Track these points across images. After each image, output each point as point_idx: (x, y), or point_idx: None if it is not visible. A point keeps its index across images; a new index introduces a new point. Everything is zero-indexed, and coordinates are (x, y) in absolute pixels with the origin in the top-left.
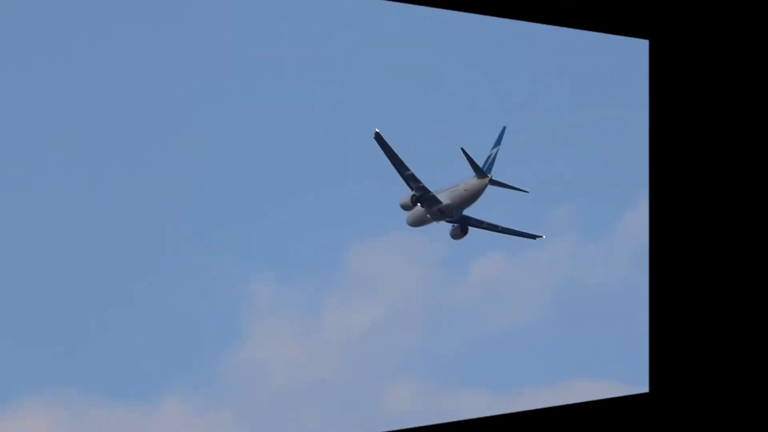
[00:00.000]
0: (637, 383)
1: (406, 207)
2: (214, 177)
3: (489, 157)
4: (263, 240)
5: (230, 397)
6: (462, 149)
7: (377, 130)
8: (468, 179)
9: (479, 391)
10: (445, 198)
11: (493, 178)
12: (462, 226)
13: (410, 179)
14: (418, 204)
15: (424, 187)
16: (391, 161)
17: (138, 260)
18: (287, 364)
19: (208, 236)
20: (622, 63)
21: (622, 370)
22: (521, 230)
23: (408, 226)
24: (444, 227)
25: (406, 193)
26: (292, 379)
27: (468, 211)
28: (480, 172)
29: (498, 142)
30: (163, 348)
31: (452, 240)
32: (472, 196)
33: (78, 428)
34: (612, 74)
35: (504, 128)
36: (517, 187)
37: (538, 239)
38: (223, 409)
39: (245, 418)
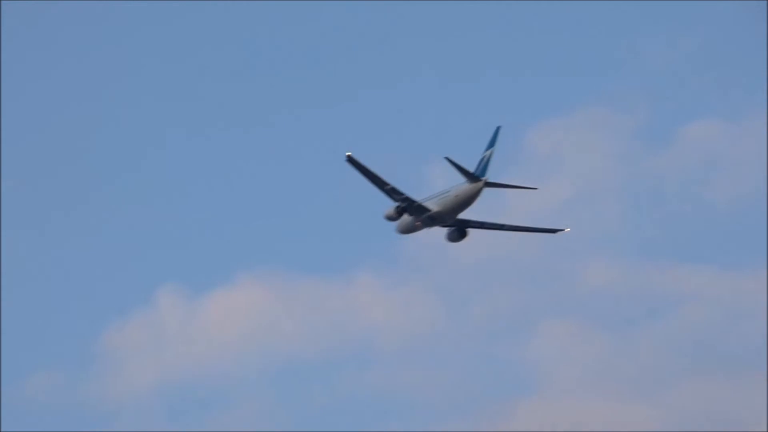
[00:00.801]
0: None
1: (390, 218)
2: None
3: (482, 159)
4: None
5: (417, 272)
6: (446, 158)
7: (348, 154)
8: (459, 184)
9: (700, 268)
10: (433, 205)
11: (489, 180)
12: (459, 229)
13: (392, 193)
14: (405, 213)
15: (407, 198)
16: (369, 179)
17: None
18: (470, 243)
19: None
20: None
21: None
22: (535, 226)
23: (398, 234)
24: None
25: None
26: (475, 256)
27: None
28: (471, 176)
29: (492, 143)
30: (355, 227)
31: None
32: (465, 202)
33: (285, 299)
34: None
35: (498, 128)
36: (521, 185)
37: (558, 233)
38: (410, 283)
39: (433, 291)
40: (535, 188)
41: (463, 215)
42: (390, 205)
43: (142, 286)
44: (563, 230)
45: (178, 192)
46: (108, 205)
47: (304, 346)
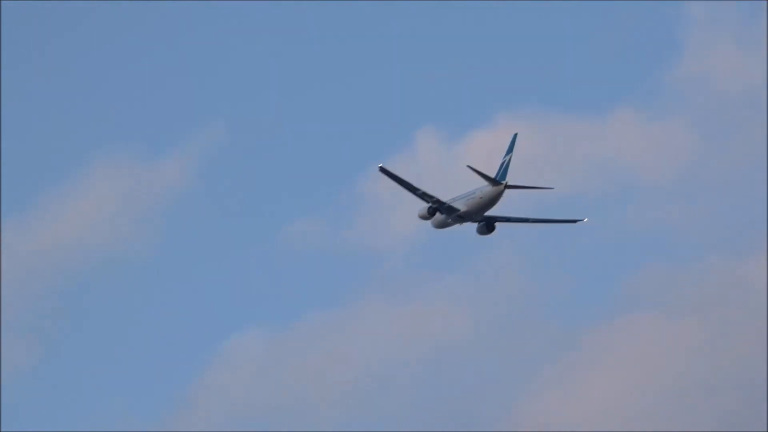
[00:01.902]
0: None
1: (423, 217)
2: None
3: (502, 163)
4: None
5: (676, 106)
6: (468, 166)
7: (381, 165)
8: (483, 187)
9: None
10: (461, 205)
11: (509, 183)
12: (487, 224)
13: (423, 196)
14: (437, 212)
15: (438, 200)
16: (402, 185)
17: None
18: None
19: None
20: None
21: None
22: (556, 218)
23: (433, 228)
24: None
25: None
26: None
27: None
28: (492, 181)
29: (510, 150)
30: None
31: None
32: (489, 203)
33: (544, 138)
34: None
35: (515, 135)
36: (538, 186)
37: (580, 222)
38: (670, 118)
39: (692, 125)
40: (552, 188)
41: (490, 212)
42: (422, 206)
43: (401, 129)
44: (582, 220)
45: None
46: None
47: (566, 182)
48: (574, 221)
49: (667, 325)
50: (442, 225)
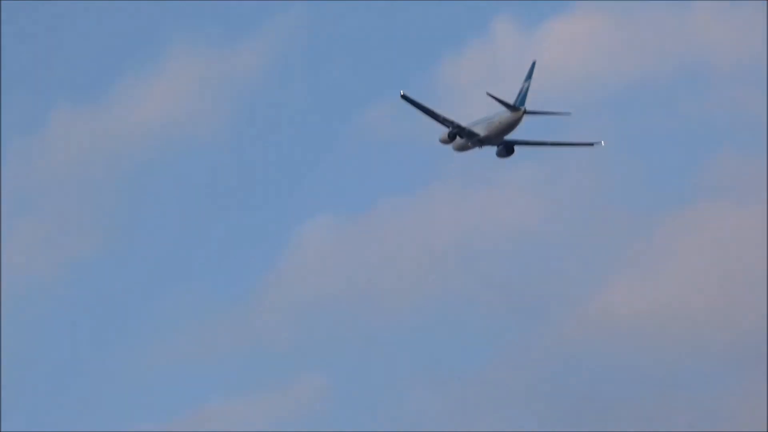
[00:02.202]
0: None
1: (444, 141)
2: None
3: (521, 90)
4: None
5: None
6: (488, 93)
7: (402, 92)
8: (502, 112)
9: None
10: (481, 130)
11: (528, 109)
12: (506, 147)
13: (444, 122)
14: (457, 136)
15: (459, 125)
16: (424, 112)
17: None
18: None
19: None
20: None
21: None
22: (573, 141)
23: (454, 152)
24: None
25: None
26: None
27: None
28: (512, 107)
29: (529, 76)
30: None
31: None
32: (508, 128)
33: (623, 26)
34: None
35: (534, 62)
36: (556, 111)
37: (596, 145)
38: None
39: None
40: (569, 113)
41: (509, 136)
42: (443, 131)
43: (478, 16)
44: (599, 143)
45: None
46: None
47: (644, 69)
48: (591, 144)
49: (737, 213)
50: (462, 148)
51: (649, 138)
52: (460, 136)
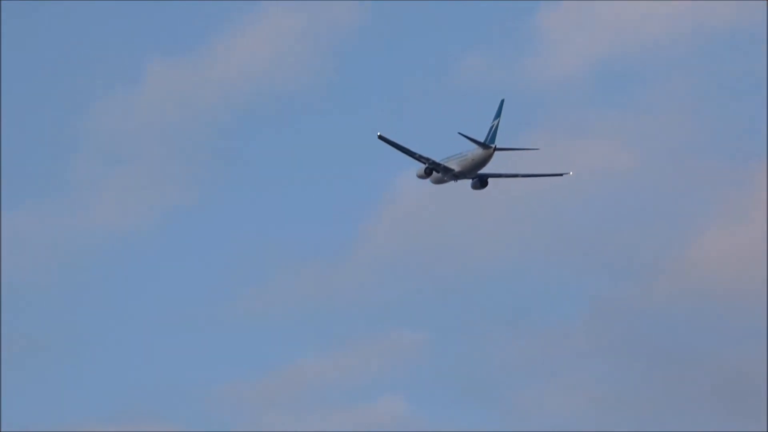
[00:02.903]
0: None
1: (421, 176)
2: None
3: (491, 128)
4: None
5: None
6: (460, 133)
7: (379, 134)
8: (474, 149)
9: None
10: (455, 166)
11: (498, 146)
12: (480, 180)
13: (420, 159)
14: (433, 172)
15: (434, 162)
16: (401, 150)
17: None
18: None
19: None
20: None
21: None
22: (543, 173)
23: (432, 184)
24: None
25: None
26: None
27: None
28: (483, 145)
29: (498, 114)
30: None
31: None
32: (480, 164)
33: None
34: None
35: (502, 101)
36: (526, 147)
37: (564, 175)
38: None
39: None
40: (537, 149)
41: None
42: (420, 167)
43: None
44: (568, 173)
45: None
46: None
47: None
48: (560, 174)
49: None
50: (439, 181)
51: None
52: (436, 171)
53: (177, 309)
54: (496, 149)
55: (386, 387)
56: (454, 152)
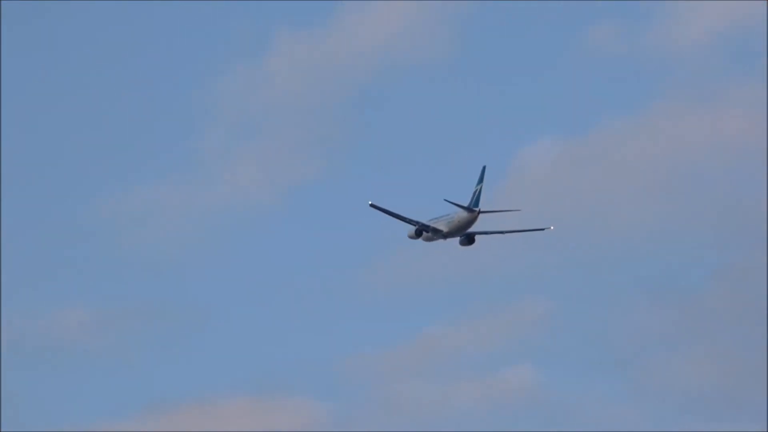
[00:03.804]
0: None
1: (412, 237)
2: None
3: (474, 192)
4: None
5: None
6: (445, 200)
7: (370, 203)
8: (460, 212)
9: None
10: (443, 227)
11: (482, 209)
12: (468, 238)
13: (411, 222)
14: (423, 232)
15: (424, 224)
16: (393, 216)
17: None
18: None
19: None
20: None
21: None
22: (527, 228)
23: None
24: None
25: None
26: None
27: None
28: (468, 209)
29: (480, 180)
30: None
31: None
32: (466, 225)
33: None
34: None
35: (484, 167)
36: (507, 209)
37: (546, 230)
38: None
39: None
40: (519, 210)
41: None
42: (411, 228)
43: None
44: (549, 228)
45: None
46: None
47: None
48: (542, 229)
49: None
50: (429, 239)
51: None
52: (426, 231)
53: (306, 281)
54: (480, 212)
55: (516, 357)
56: (443, 213)
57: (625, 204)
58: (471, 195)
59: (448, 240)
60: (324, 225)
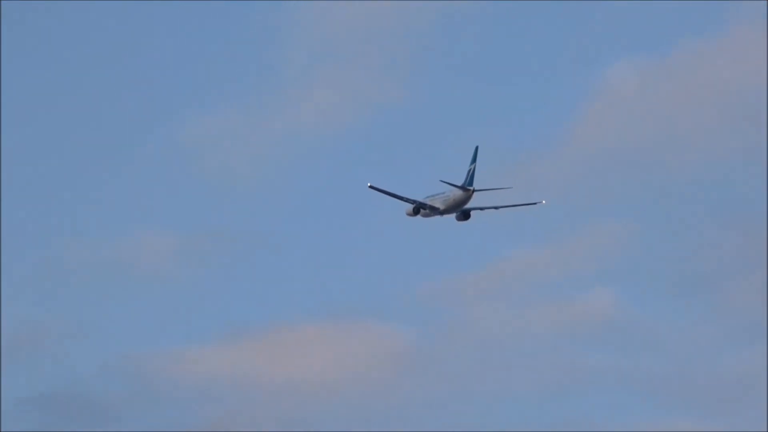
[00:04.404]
0: None
1: (410, 215)
2: None
3: (469, 171)
4: None
5: None
6: (441, 180)
7: (369, 184)
8: (456, 190)
9: None
10: (440, 204)
11: (476, 188)
12: (464, 213)
13: (409, 201)
14: (421, 210)
15: (422, 203)
16: (392, 196)
17: None
18: None
19: None
20: None
21: None
22: (520, 202)
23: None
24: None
25: None
26: None
27: None
28: (463, 188)
29: (474, 159)
30: None
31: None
32: (462, 203)
33: None
34: None
35: (477, 147)
36: (500, 187)
37: (539, 204)
38: None
39: None
40: (510, 187)
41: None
42: (408, 206)
43: None
44: (541, 202)
45: None
46: None
47: None
48: (534, 203)
49: None
50: (427, 216)
51: None
52: (423, 209)
53: (385, 205)
54: (474, 191)
55: (595, 280)
56: (440, 191)
57: (707, 127)
58: (465, 174)
59: (445, 216)
60: (402, 149)
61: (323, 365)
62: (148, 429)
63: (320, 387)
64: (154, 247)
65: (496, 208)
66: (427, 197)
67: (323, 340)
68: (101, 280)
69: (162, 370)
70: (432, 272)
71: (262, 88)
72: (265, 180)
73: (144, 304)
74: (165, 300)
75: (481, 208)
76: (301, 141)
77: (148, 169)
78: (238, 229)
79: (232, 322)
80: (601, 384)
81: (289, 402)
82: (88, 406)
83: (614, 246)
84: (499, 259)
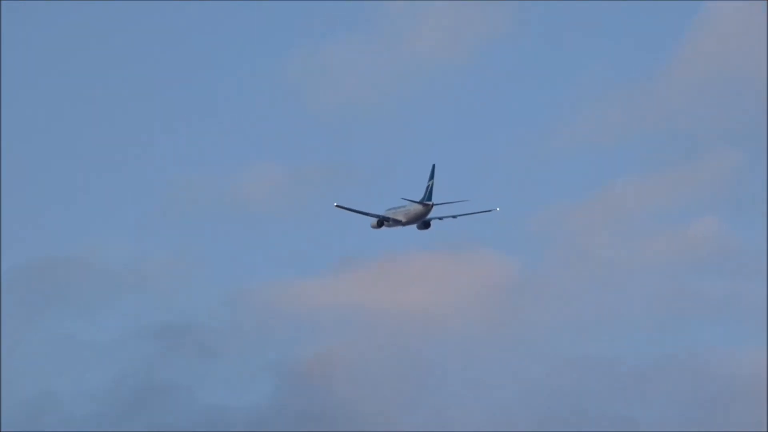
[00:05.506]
0: None
1: (374, 227)
2: None
3: (427, 187)
4: None
5: None
6: (402, 198)
7: (336, 204)
8: (416, 205)
9: None
10: (401, 217)
11: (434, 202)
12: (424, 223)
13: (373, 216)
14: (384, 222)
15: (385, 216)
16: (357, 212)
17: None
18: None
19: None
20: None
21: None
22: (474, 211)
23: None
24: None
25: None
26: None
27: None
28: (423, 204)
29: (431, 177)
30: None
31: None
32: (421, 215)
33: None
34: None
35: (434, 165)
36: (457, 200)
37: (493, 211)
38: None
39: None
40: (467, 200)
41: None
42: (373, 220)
43: None
44: (495, 209)
45: None
46: None
47: None
48: (489, 211)
49: None
50: (391, 227)
51: None
52: (387, 222)
53: (497, 134)
54: (433, 205)
55: (702, 209)
56: (400, 204)
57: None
58: (424, 190)
59: (407, 227)
60: (509, 82)
61: (437, 295)
62: (258, 361)
63: (433, 317)
64: (262, 179)
65: (454, 217)
66: (389, 210)
67: (434, 269)
68: (217, 214)
69: (277, 300)
70: (544, 199)
71: (369, 23)
72: (383, 112)
73: (251, 237)
74: (274, 232)
75: (440, 218)
76: (407, 76)
77: (258, 102)
78: (347, 162)
79: (342, 254)
80: (712, 311)
81: (406, 332)
82: (204, 336)
83: (722, 175)
84: (610, 187)
